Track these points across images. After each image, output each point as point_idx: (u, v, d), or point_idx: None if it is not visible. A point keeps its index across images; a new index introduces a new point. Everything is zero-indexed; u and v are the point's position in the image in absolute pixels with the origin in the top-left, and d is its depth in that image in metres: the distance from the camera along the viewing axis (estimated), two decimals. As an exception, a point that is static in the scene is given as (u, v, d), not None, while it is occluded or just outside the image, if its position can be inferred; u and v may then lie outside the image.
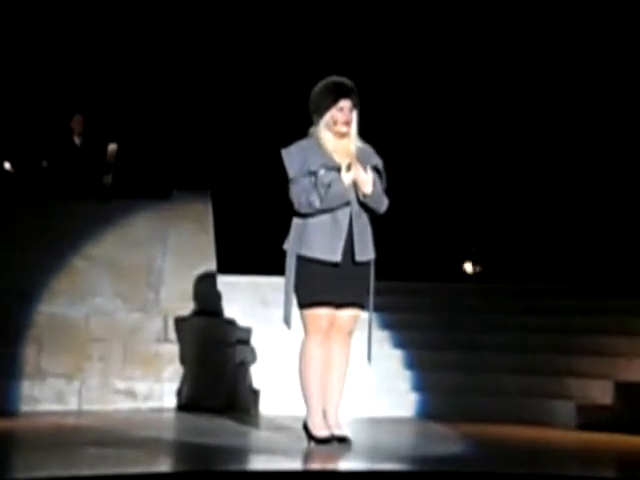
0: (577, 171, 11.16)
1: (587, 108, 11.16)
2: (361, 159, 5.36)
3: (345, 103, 5.35)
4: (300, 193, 5.22)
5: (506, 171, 11.66)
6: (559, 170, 11.32)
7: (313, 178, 5.23)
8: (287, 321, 5.35)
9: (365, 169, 5.31)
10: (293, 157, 5.29)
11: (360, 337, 5.54)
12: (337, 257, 5.22)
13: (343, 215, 5.24)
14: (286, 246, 5.35)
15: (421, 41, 11.91)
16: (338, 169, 5.25)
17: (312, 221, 5.24)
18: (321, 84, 5.42)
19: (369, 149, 5.45)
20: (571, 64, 11.33)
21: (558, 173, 11.31)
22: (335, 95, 5.34)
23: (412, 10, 11.88)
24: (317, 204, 5.19)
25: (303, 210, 5.24)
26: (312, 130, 5.41)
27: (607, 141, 11.09)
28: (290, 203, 5.30)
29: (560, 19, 11.38)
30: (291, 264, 5.29)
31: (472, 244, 12.36)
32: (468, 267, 12.52)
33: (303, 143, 5.37)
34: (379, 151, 5.50)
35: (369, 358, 5.53)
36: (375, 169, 5.39)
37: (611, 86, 11.06)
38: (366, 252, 5.32)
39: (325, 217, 5.23)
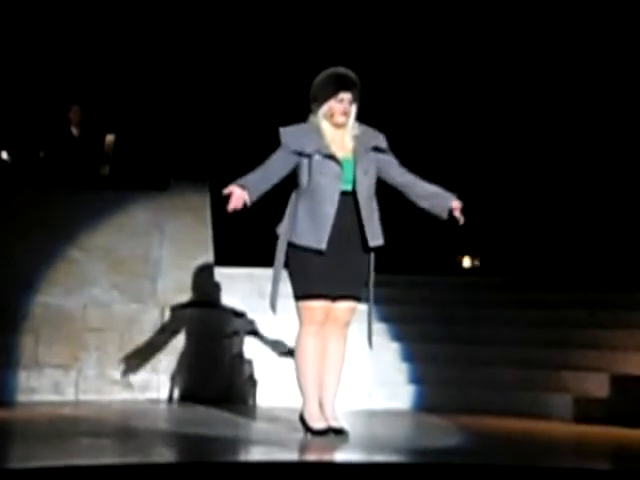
0: (578, 165, 11.14)
1: (587, 103, 11.16)
2: (360, 144, 5.34)
3: (345, 95, 5.34)
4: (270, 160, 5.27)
5: (506, 165, 11.65)
6: (560, 164, 11.30)
7: (306, 160, 5.23)
8: (273, 305, 5.34)
9: (364, 154, 5.30)
10: (288, 135, 5.31)
11: (357, 329, 5.54)
12: (322, 245, 5.18)
13: (331, 205, 5.21)
14: (279, 230, 5.35)
15: (421, 36, 11.88)
16: (332, 157, 5.25)
17: (301, 209, 5.24)
18: (324, 73, 5.40)
19: (370, 131, 5.42)
20: (571, 62, 11.32)
21: (558, 167, 11.30)
22: (336, 87, 5.33)
23: (414, 4, 11.86)
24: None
25: None
26: (311, 118, 5.41)
27: (608, 134, 11.08)
28: (288, 192, 5.34)
29: (561, 18, 11.37)
30: (282, 248, 5.29)
31: (470, 238, 12.35)
32: (466, 261, 12.52)
33: (303, 126, 5.38)
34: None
35: (370, 343, 5.51)
36: (376, 149, 5.37)
37: (611, 85, 11.05)
38: (376, 237, 5.30)
39: (312, 205, 5.21)
